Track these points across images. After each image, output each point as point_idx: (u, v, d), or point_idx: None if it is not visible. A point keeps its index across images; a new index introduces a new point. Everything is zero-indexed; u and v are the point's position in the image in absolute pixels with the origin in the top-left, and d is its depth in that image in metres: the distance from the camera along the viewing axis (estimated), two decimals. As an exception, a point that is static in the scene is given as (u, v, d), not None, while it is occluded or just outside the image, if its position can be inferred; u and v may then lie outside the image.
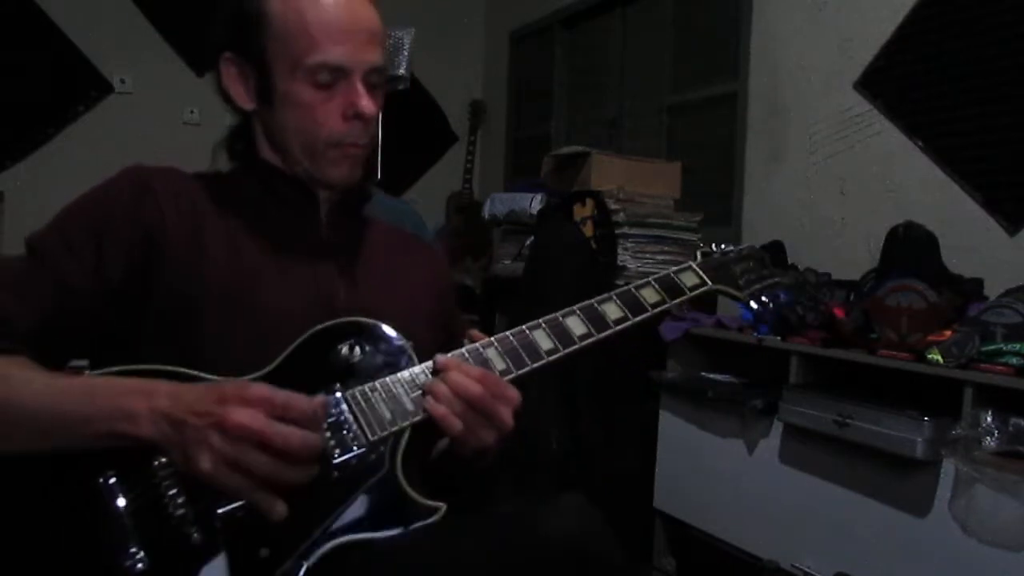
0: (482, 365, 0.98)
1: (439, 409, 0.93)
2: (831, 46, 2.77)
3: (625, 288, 1.07)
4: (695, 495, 2.62)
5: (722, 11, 3.29)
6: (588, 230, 3.05)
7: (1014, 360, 1.80)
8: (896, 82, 2.56)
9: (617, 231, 2.98)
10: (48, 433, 0.84)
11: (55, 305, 0.93)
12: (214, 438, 0.80)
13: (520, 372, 0.99)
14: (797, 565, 2.20)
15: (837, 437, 2.05)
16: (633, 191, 3.07)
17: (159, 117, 4.15)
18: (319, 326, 0.97)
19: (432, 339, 1.07)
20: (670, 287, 1.10)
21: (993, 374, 1.81)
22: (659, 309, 1.07)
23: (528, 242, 3.27)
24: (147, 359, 0.92)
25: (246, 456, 0.80)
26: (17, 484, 0.85)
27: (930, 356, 1.91)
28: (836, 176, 2.76)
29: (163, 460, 0.84)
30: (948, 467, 1.84)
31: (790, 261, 2.75)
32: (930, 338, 1.95)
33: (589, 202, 3.08)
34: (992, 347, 1.86)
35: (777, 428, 2.30)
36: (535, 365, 1.00)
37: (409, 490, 0.94)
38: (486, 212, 3.67)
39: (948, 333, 1.94)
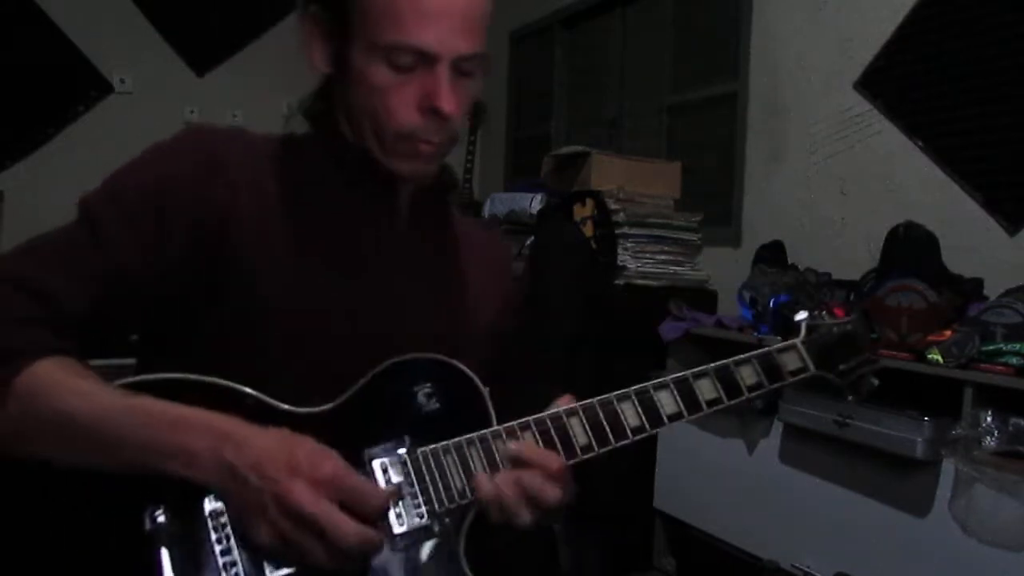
0: (562, 435, 0.88)
1: (493, 498, 0.84)
2: (831, 46, 2.77)
3: (723, 364, 0.96)
4: (695, 495, 2.62)
5: (722, 11, 3.29)
6: (588, 230, 3.05)
7: (1014, 360, 1.80)
8: (896, 82, 2.56)
9: (617, 231, 2.99)
10: (97, 452, 0.77)
11: (107, 289, 0.84)
12: (272, 510, 0.74)
13: (601, 451, 0.90)
14: (797, 565, 2.20)
15: (837, 437, 2.05)
16: (633, 191, 3.08)
17: (159, 117, 4.13)
18: (395, 360, 0.88)
19: (492, 347, 1.03)
20: (770, 369, 0.97)
21: (993, 374, 1.81)
22: (755, 394, 0.96)
23: (528, 242, 3.27)
24: (200, 365, 0.84)
25: (301, 540, 0.74)
26: (58, 507, 0.79)
27: (930, 356, 1.91)
28: (836, 176, 2.76)
29: (216, 507, 0.78)
30: (948, 467, 1.84)
31: (790, 261, 2.75)
32: (930, 338, 1.95)
33: (589, 202, 3.08)
34: (992, 347, 1.86)
35: (777, 428, 2.30)
36: (618, 444, 0.90)
37: (469, 573, 0.86)
38: (486, 212, 3.67)
39: (948, 333, 1.94)
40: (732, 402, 0.95)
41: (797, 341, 1.00)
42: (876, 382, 1.04)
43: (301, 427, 0.82)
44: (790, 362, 0.98)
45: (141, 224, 0.84)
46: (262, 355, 0.87)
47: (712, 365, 0.95)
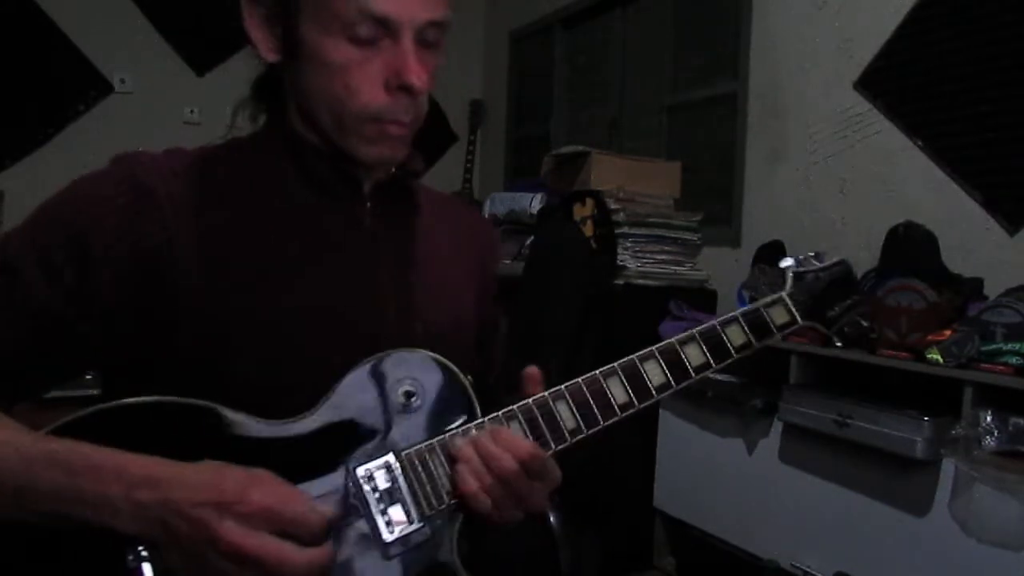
0: (550, 421, 0.85)
1: (468, 484, 0.80)
2: (831, 46, 2.77)
3: (709, 326, 0.92)
4: (695, 495, 2.62)
5: (722, 11, 3.29)
6: (588, 230, 3.05)
7: (1014, 360, 1.80)
8: (896, 82, 2.56)
9: (617, 231, 2.99)
10: (13, 505, 0.72)
11: (29, 336, 0.78)
12: (211, 556, 0.68)
13: (590, 432, 0.87)
14: (797, 564, 2.20)
15: (837, 437, 2.05)
16: (633, 191, 3.08)
17: (159, 117, 4.14)
18: (371, 360, 0.83)
19: (477, 335, 0.99)
20: (758, 326, 0.94)
21: (993, 374, 1.81)
22: (743, 354, 0.93)
23: (528, 242, 3.27)
24: (165, 387, 0.78)
25: None
26: (38, 547, 0.74)
27: (930, 356, 1.91)
28: (836, 176, 2.76)
29: None
30: (948, 467, 1.84)
31: (790, 261, 2.75)
32: (930, 338, 1.95)
33: (589, 202, 3.08)
34: (992, 347, 1.86)
35: (777, 428, 2.30)
36: (607, 423, 0.87)
37: (464, 574, 0.82)
38: (486, 212, 3.67)
39: (948, 333, 1.94)
40: (720, 365, 0.92)
41: (783, 293, 0.97)
42: (865, 324, 1.02)
43: (273, 442, 0.79)
44: (778, 316, 0.96)
45: (60, 268, 0.78)
46: (229, 372, 0.80)
47: (698, 328, 0.92)
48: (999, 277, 2.14)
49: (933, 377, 1.90)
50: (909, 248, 2.22)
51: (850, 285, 1.02)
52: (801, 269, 1.00)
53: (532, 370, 0.88)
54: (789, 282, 0.98)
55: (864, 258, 2.50)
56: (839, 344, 1.02)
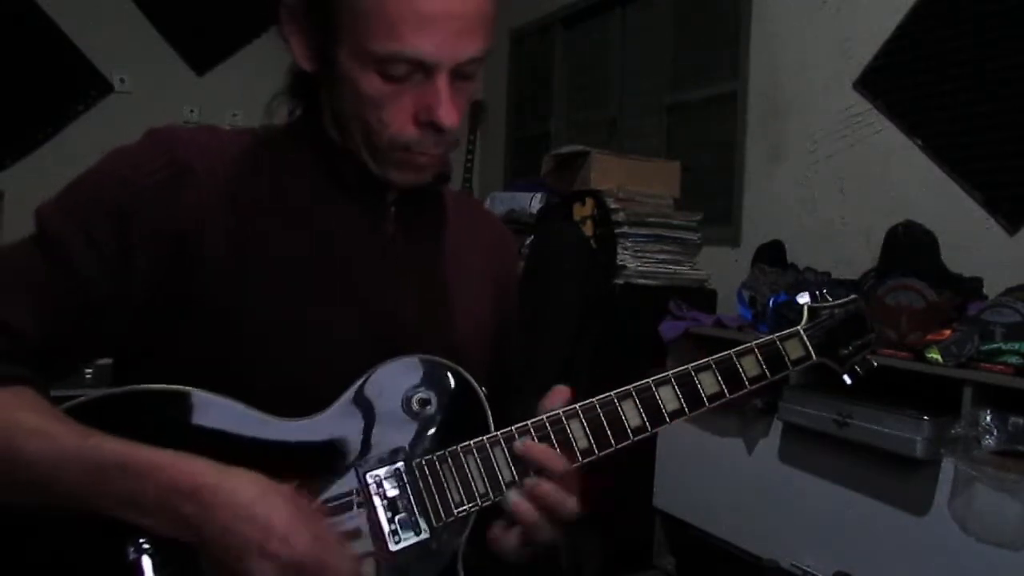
0: (562, 439, 0.85)
1: (524, 509, 0.82)
2: (831, 46, 2.77)
3: (725, 356, 0.92)
4: (695, 494, 2.62)
5: (722, 11, 3.29)
6: (588, 230, 3.05)
7: (1013, 359, 1.80)
8: (896, 82, 2.56)
9: (617, 231, 2.99)
10: (49, 498, 0.71)
11: (70, 312, 0.78)
12: (246, 570, 0.70)
13: (601, 454, 0.86)
14: (797, 564, 2.20)
15: (837, 436, 2.05)
16: (633, 190, 3.08)
17: (159, 117, 4.05)
18: (387, 364, 0.83)
19: (492, 345, 0.99)
20: (773, 359, 0.93)
21: (992, 373, 1.81)
22: (756, 386, 0.93)
23: (528, 242, 3.27)
24: (181, 375, 0.78)
25: None
26: (37, 538, 0.74)
27: (929, 355, 1.91)
28: (836, 175, 2.76)
29: None
30: (947, 466, 1.84)
31: (789, 260, 2.75)
32: (929, 337, 1.95)
33: (589, 201, 3.08)
34: (991, 346, 1.86)
35: (777, 427, 2.30)
36: (619, 446, 0.87)
37: None
38: (486, 212, 3.66)
39: (947, 332, 1.94)
40: (733, 396, 0.91)
41: (800, 328, 0.96)
42: (875, 363, 1.01)
43: (284, 439, 0.78)
44: (792, 351, 0.95)
45: (102, 242, 0.77)
46: (245, 364, 0.80)
47: (714, 357, 0.92)
48: (999, 277, 2.14)
49: (933, 377, 1.90)
50: (909, 248, 2.22)
51: (862, 324, 1.01)
52: (816, 304, 1.00)
53: (561, 389, 0.88)
54: (805, 318, 0.98)
55: (864, 258, 2.50)
56: (849, 383, 1.00)
